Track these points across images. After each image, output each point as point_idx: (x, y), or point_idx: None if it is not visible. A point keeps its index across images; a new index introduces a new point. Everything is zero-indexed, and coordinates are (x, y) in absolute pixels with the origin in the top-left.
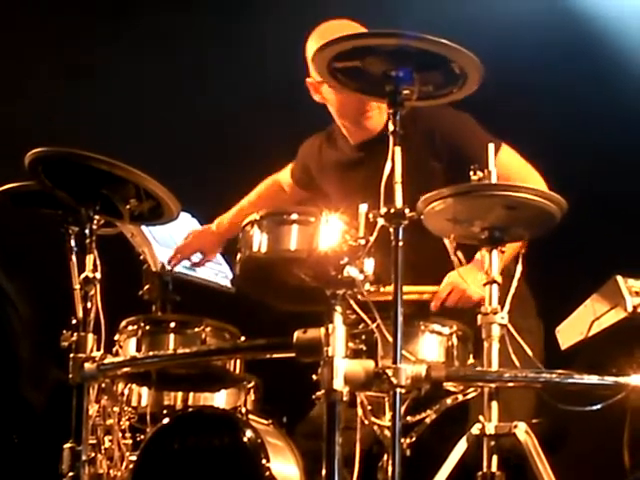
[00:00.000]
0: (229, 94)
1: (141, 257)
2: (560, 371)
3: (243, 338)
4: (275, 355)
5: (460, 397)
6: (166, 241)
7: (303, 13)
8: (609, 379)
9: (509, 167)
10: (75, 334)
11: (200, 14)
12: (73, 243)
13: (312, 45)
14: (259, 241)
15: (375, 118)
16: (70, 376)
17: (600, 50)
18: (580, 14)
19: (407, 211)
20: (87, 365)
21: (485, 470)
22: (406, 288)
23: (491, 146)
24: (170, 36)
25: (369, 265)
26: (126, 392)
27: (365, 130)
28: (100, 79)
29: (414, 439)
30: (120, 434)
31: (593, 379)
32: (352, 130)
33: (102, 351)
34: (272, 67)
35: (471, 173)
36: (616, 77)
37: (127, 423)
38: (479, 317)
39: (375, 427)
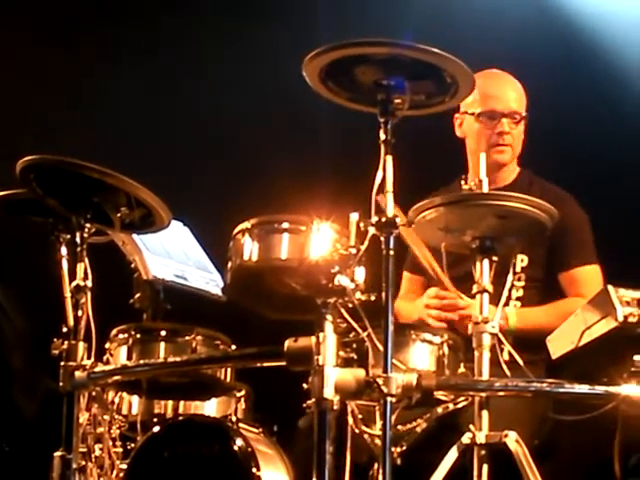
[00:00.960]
0: (227, 101)
1: (132, 265)
2: (551, 380)
3: (234, 347)
4: (266, 364)
5: (451, 406)
6: (157, 250)
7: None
8: (600, 388)
9: (588, 283)
10: (66, 342)
11: (201, 21)
12: (64, 251)
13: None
14: (250, 250)
15: (506, 156)
16: (61, 384)
17: (598, 62)
18: (579, 27)
19: (398, 220)
20: (78, 373)
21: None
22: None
23: (482, 155)
24: (170, 43)
25: (360, 274)
26: (117, 400)
27: (493, 170)
28: (99, 87)
29: (405, 448)
30: (110, 442)
31: (584, 388)
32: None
33: (93, 359)
34: (274, 74)
35: (462, 182)
36: (612, 87)
37: (118, 431)
38: (470, 326)
39: (365, 436)
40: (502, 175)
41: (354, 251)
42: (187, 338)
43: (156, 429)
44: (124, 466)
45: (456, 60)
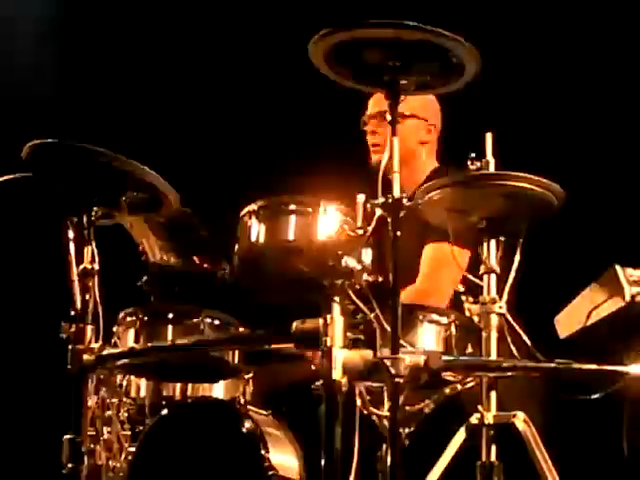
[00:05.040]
0: (230, 82)
1: (140, 248)
2: (559, 360)
3: (242, 329)
4: (274, 345)
5: (459, 387)
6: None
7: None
8: (608, 368)
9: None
10: (74, 326)
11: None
12: (71, 234)
13: None
14: (257, 231)
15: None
16: (69, 367)
17: None
18: None
19: (405, 200)
20: (86, 356)
21: (484, 460)
22: None
23: (489, 135)
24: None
25: (367, 255)
26: (125, 383)
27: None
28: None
29: (413, 429)
30: (119, 425)
31: (592, 368)
32: None
33: (100, 342)
34: (278, 55)
35: (469, 162)
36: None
37: (126, 414)
38: (477, 307)
39: (374, 417)
40: (412, 177)
41: (361, 232)
42: (195, 320)
43: (164, 412)
44: (133, 449)
45: (462, 41)
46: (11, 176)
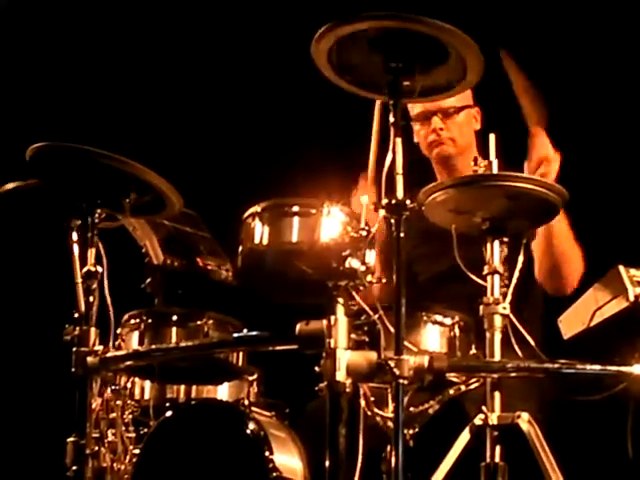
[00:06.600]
0: (233, 85)
1: (143, 250)
2: (563, 361)
3: (245, 330)
4: (278, 347)
5: (463, 388)
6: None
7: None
8: (612, 369)
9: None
10: (77, 328)
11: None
12: (75, 237)
13: None
14: (260, 233)
15: (449, 148)
16: (73, 370)
17: None
18: None
19: (408, 202)
20: (90, 359)
21: (488, 461)
22: None
23: (492, 136)
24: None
25: (370, 256)
26: (129, 386)
27: (445, 164)
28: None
29: (417, 430)
30: (123, 427)
31: (595, 369)
32: None
33: (110, 344)
34: (280, 57)
35: (472, 163)
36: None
37: (130, 416)
38: (481, 307)
39: (378, 418)
40: (463, 170)
41: (365, 234)
42: (199, 322)
43: (168, 414)
44: (137, 451)
45: (464, 37)
46: (16, 184)
